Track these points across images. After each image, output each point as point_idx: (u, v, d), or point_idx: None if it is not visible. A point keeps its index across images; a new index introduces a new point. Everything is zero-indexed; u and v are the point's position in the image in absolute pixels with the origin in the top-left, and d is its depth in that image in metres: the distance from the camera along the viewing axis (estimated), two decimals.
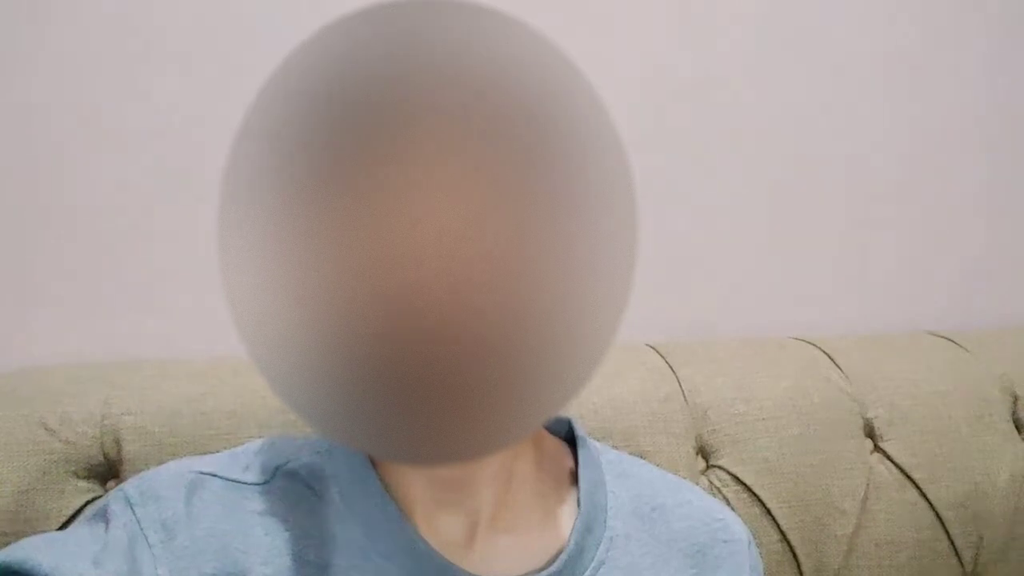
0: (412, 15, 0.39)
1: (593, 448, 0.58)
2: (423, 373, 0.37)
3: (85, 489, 0.69)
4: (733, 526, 0.58)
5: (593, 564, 0.52)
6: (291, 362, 0.39)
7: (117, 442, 0.69)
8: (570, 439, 0.59)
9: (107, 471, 0.70)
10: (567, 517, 0.54)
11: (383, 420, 0.39)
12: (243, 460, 0.53)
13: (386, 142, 0.36)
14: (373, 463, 0.52)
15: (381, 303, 0.36)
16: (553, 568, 0.51)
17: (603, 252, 0.39)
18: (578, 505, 0.54)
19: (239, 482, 0.51)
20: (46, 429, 0.69)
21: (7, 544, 0.47)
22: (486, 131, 0.37)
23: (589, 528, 0.53)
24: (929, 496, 0.81)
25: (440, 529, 0.50)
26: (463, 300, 0.36)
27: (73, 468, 0.69)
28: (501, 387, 0.38)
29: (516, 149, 0.37)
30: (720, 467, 0.78)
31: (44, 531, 0.65)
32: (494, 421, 0.39)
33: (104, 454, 0.70)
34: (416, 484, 0.51)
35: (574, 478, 0.56)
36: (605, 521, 0.54)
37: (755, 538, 0.59)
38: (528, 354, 0.38)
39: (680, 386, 0.81)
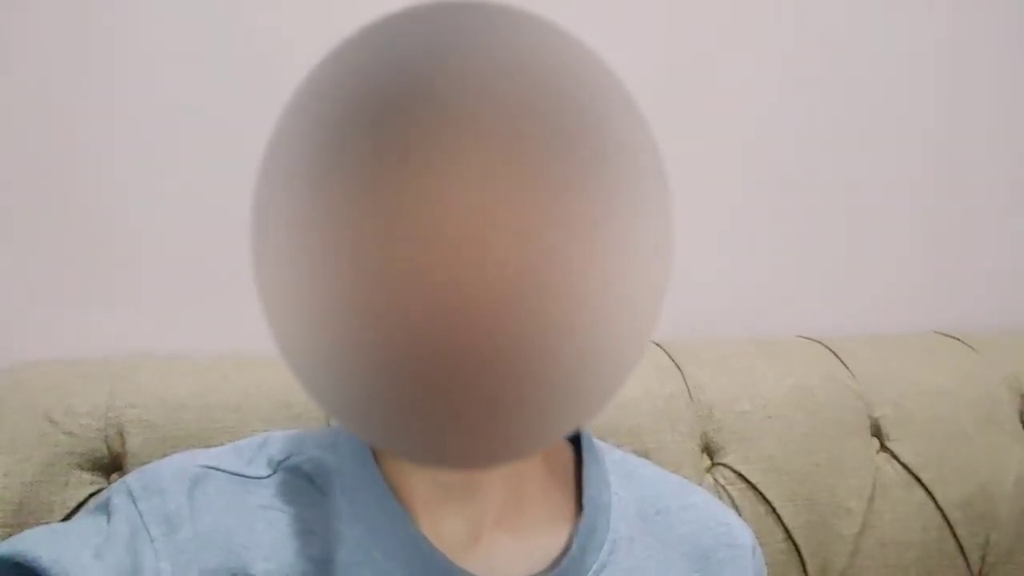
0: (446, 16, 0.39)
1: (598, 448, 0.57)
2: (457, 370, 0.37)
3: (89, 481, 0.69)
4: (738, 531, 0.57)
5: (595, 567, 0.51)
6: (323, 357, 0.38)
7: (121, 435, 0.70)
8: (575, 438, 0.58)
9: (111, 464, 0.70)
10: (571, 518, 0.53)
11: (412, 419, 0.38)
12: (246, 454, 0.53)
13: (423, 139, 0.36)
14: (377, 459, 0.52)
15: (416, 298, 0.36)
16: (555, 571, 0.50)
17: (641, 253, 0.39)
18: (582, 506, 0.54)
19: (242, 476, 0.51)
20: (51, 422, 0.69)
21: (9, 536, 0.47)
22: (525, 130, 0.36)
23: (592, 530, 0.52)
24: (936, 496, 0.81)
25: (443, 529, 0.50)
26: (499, 298, 0.36)
27: (77, 460, 0.69)
28: (535, 390, 0.37)
29: (555, 149, 0.37)
30: (725, 465, 0.78)
31: (48, 523, 0.65)
32: (525, 425, 0.38)
33: (108, 447, 0.70)
34: (421, 483, 0.50)
35: (579, 478, 0.55)
36: (608, 523, 0.53)
37: (760, 537, 0.59)
38: (563, 356, 0.37)
39: (686, 383, 0.81)
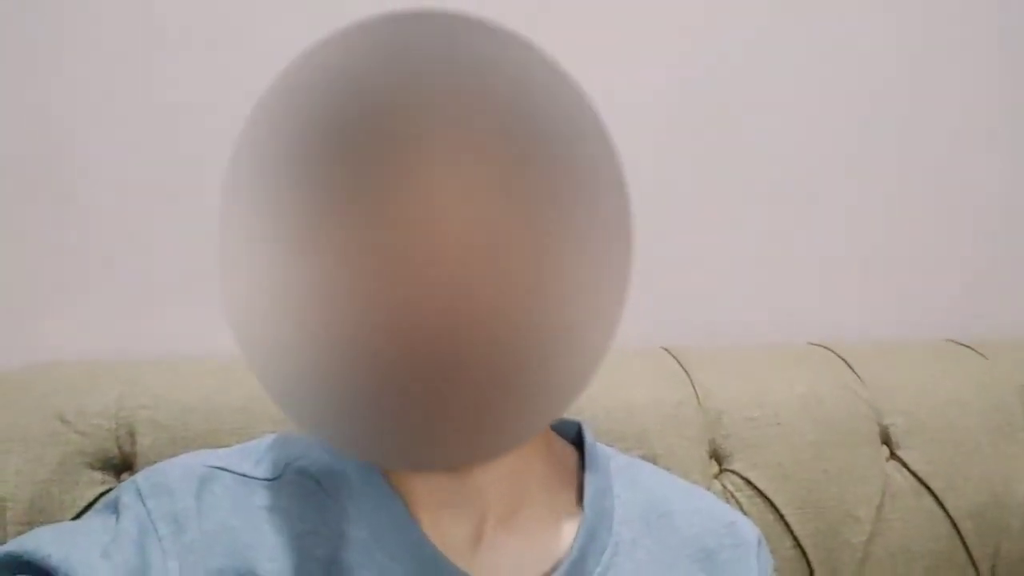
0: (414, 27, 0.40)
1: (602, 453, 0.58)
2: (427, 379, 0.38)
3: (99, 481, 0.69)
4: (742, 529, 0.57)
5: (598, 571, 0.51)
6: (291, 370, 0.39)
7: (132, 435, 0.70)
8: (580, 443, 0.58)
9: (121, 464, 0.71)
10: (573, 522, 0.53)
11: (384, 427, 0.39)
12: (254, 455, 0.54)
13: (390, 151, 0.37)
14: None
15: (383, 310, 0.37)
16: (555, 574, 0.50)
17: (599, 258, 0.40)
18: (584, 510, 0.54)
19: (249, 477, 0.52)
20: (62, 422, 0.69)
21: (21, 534, 0.48)
22: (489, 142, 0.38)
23: (593, 534, 0.52)
24: (946, 505, 0.80)
25: (446, 531, 0.50)
26: (466, 306, 0.37)
27: (88, 460, 0.70)
28: (503, 392, 0.39)
29: (517, 159, 0.38)
30: (733, 471, 0.78)
31: (58, 521, 0.66)
32: (495, 426, 0.40)
33: (119, 447, 0.70)
34: (422, 485, 0.51)
35: (582, 482, 0.56)
36: (611, 527, 0.53)
37: (768, 544, 0.59)
38: (529, 358, 0.39)
39: (694, 390, 0.80)
